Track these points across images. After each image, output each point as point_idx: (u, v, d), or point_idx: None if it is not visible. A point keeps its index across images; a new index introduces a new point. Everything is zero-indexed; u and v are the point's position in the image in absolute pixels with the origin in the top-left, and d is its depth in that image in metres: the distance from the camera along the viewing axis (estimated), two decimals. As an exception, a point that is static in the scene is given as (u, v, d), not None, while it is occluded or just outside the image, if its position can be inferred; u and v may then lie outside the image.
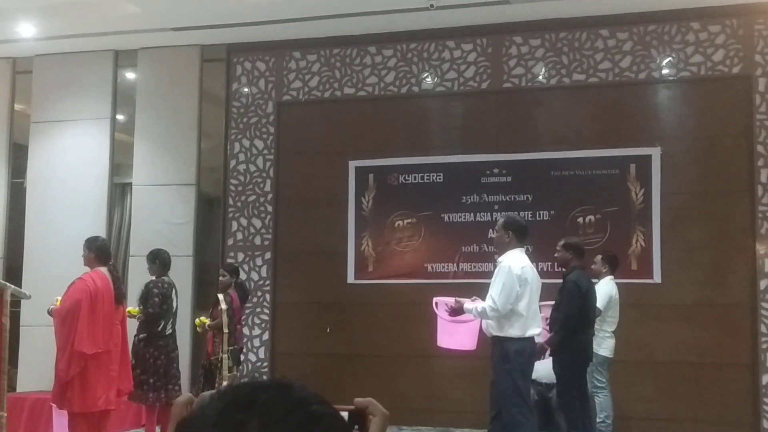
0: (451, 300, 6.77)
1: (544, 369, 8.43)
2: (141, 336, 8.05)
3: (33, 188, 10.41)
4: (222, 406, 0.93)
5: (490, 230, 9.18)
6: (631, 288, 8.62)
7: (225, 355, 8.05)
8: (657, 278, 8.80)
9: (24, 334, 9.84)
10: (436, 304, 7.19)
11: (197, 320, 8.43)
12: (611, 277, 8.16)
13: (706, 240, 8.77)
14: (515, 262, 6.32)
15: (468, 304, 6.53)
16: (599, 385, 7.93)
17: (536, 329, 6.40)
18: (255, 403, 0.92)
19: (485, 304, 6.32)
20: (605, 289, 8.01)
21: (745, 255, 8.67)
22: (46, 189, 10.27)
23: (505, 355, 6.25)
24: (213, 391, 0.99)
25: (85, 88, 10.33)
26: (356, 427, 1.02)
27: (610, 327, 8.03)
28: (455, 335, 7.13)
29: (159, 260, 8.28)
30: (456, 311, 6.61)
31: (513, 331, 6.26)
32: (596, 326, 7.82)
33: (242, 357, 9.06)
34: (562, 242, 7.39)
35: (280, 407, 0.92)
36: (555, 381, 8.06)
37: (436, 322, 7.28)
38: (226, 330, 8.08)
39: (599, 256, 8.27)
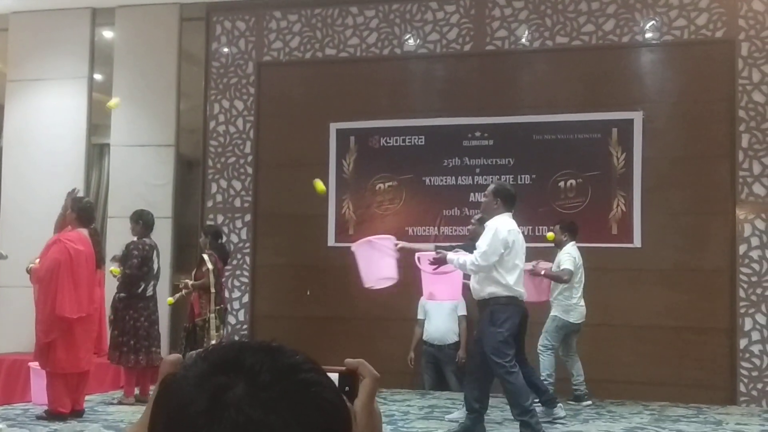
0: (432, 252, 6.93)
1: (436, 330, 8.78)
2: (121, 295, 7.99)
3: (9, 148, 10.27)
4: (206, 367, 0.89)
5: (472, 194, 9.19)
6: (611, 252, 8.66)
7: (212, 315, 8.02)
8: (637, 242, 8.82)
9: (1, 295, 9.76)
10: (419, 258, 7.20)
11: (182, 282, 8.36)
12: (573, 243, 8.15)
13: (686, 205, 8.80)
14: (502, 224, 6.40)
15: (451, 254, 6.65)
16: (549, 346, 7.97)
17: (522, 290, 6.50)
18: (241, 367, 0.88)
19: (469, 257, 6.43)
20: (572, 252, 8.03)
21: (725, 220, 8.70)
22: (23, 149, 10.14)
23: (492, 319, 6.35)
24: (200, 350, 0.94)
25: (62, 46, 10.16)
26: (347, 388, 0.98)
27: (577, 293, 8.04)
28: (438, 286, 7.32)
29: (142, 221, 8.20)
30: (439, 261, 6.72)
31: (499, 291, 6.36)
32: (564, 293, 7.92)
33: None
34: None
35: (268, 373, 0.87)
36: (446, 342, 8.74)
37: (420, 278, 7.37)
38: (213, 290, 8.05)
39: (557, 226, 8.28)
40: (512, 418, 7.10)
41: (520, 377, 6.35)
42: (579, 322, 8.07)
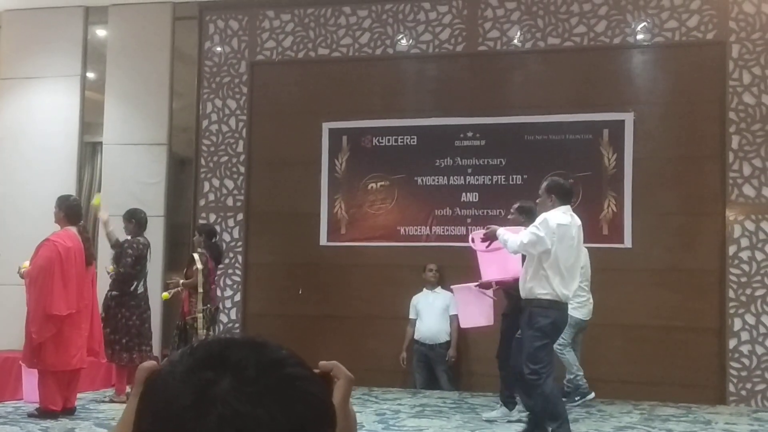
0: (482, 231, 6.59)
1: (428, 329, 8.77)
2: (113, 293, 8.00)
3: (1, 146, 10.25)
4: (192, 362, 0.90)
5: (464, 194, 9.23)
6: (601, 252, 8.67)
7: (200, 315, 8.03)
8: (628, 243, 8.86)
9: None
10: (473, 239, 6.96)
11: (172, 282, 8.36)
12: None
13: (676, 205, 8.84)
14: (552, 215, 6.05)
15: (501, 229, 6.33)
16: (564, 343, 8.00)
17: (568, 292, 6.13)
18: (227, 362, 0.89)
19: (514, 235, 6.15)
20: None
21: (715, 221, 8.74)
22: (15, 147, 10.12)
23: (530, 321, 6.07)
24: (185, 348, 0.96)
25: (54, 44, 10.15)
26: None
27: (587, 290, 8.09)
28: (494, 264, 6.93)
29: (135, 220, 8.21)
30: (488, 236, 6.38)
31: (544, 292, 6.02)
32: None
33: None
34: (516, 205, 7.22)
35: (253, 368, 0.89)
36: (438, 341, 8.70)
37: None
38: (200, 289, 8.05)
39: None
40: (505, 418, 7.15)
41: (551, 384, 6.04)
42: (587, 318, 8.12)
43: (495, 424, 7.13)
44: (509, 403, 7.29)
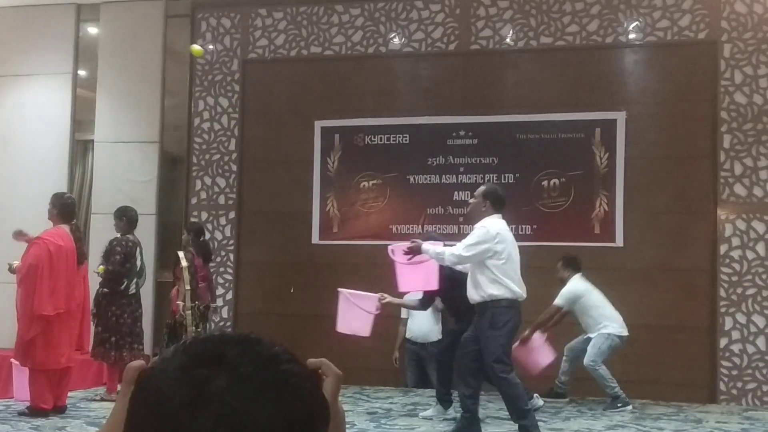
0: (406, 243, 6.68)
1: (419, 329, 8.72)
2: (104, 291, 7.97)
3: (-8, 144, 10.23)
4: (186, 360, 0.89)
5: (456, 192, 9.23)
6: (593, 251, 8.70)
7: (188, 312, 8.01)
8: (619, 242, 8.87)
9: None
10: (392, 250, 7.00)
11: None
12: (579, 275, 8.21)
13: (668, 204, 8.86)
14: (492, 224, 6.23)
15: (426, 244, 6.44)
16: (599, 362, 8.02)
17: (521, 292, 6.28)
18: (222, 359, 0.88)
19: (449, 248, 6.28)
20: (568, 287, 8.14)
21: (706, 220, 8.77)
22: (6, 145, 10.09)
23: (492, 323, 6.14)
24: (178, 344, 0.95)
25: (46, 42, 10.12)
26: None
27: (610, 308, 8.17)
28: (414, 277, 6.99)
29: (126, 218, 8.19)
30: (413, 250, 6.48)
31: (501, 293, 6.14)
32: (595, 317, 8.10)
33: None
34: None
35: (249, 365, 0.88)
36: (429, 340, 8.60)
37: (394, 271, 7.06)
38: (187, 287, 8.03)
39: (559, 263, 8.28)
40: (495, 416, 7.16)
41: (517, 382, 6.17)
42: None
43: (486, 422, 7.13)
44: (444, 401, 7.32)
